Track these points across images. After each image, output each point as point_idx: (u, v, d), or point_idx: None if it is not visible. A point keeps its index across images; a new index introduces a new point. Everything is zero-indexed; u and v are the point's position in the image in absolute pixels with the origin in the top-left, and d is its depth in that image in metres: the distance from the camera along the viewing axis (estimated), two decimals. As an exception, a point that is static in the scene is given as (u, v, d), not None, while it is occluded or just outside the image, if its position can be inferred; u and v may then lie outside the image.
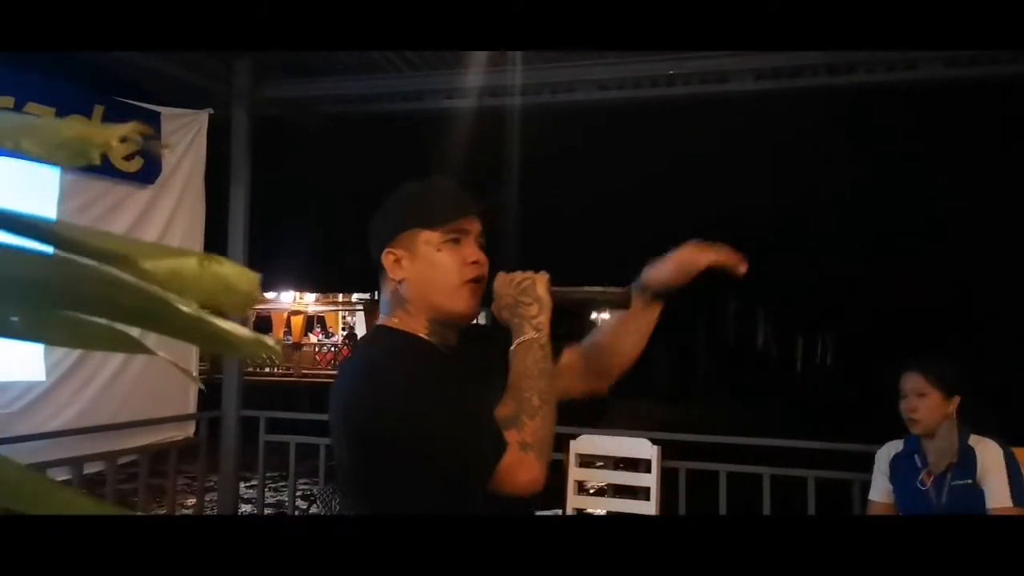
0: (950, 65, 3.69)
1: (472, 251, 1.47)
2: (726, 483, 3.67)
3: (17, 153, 0.32)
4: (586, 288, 1.54)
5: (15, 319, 0.36)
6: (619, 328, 1.65)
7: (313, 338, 26.24)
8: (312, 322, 27.26)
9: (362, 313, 25.60)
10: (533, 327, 1.43)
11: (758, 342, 30.07)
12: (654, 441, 3.70)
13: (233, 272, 0.35)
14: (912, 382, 2.67)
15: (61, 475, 3.50)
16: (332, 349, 24.76)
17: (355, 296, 26.10)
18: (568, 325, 1.59)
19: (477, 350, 1.53)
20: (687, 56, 3.88)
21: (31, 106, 3.41)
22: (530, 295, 1.45)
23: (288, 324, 25.91)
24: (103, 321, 0.35)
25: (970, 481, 2.56)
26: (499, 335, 1.48)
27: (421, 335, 1.47)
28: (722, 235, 1.50)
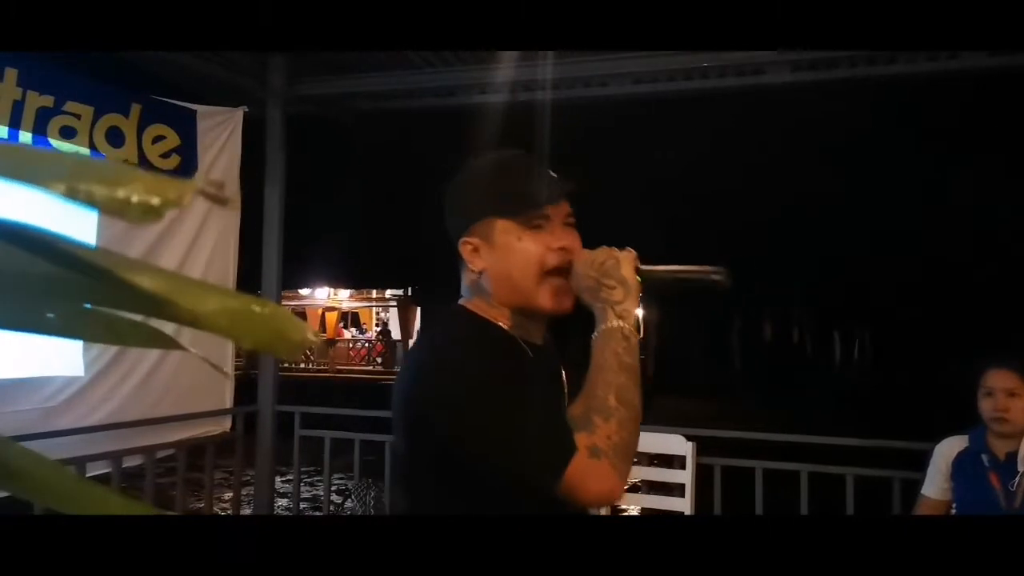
0: (993, 54, 3.61)
1: (558, 236, 1.31)
2: (762, 480, 3.63)
3: (87, 203, 0.32)
4: (677, 267, 1.35)
5: (51, 316, 0.36)
6: None
7: (347, 334, 26.47)
8: (346, 318, 27.49)
9: (395, 309, 25.77)
10: (616, 314, 1.27)
11: (794, 337, 29.78)
12: (689, 437, 3.67)
13: (286, 320, 0.35)
14: (1004, 380, 2.55)
15: (100, 469, 3.56)
16: (366, 345, 24.99)
17: (389, 292, 26.28)
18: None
19: (566, 349, 1.41)
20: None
21: (70, 104, 3.46)
22: (614, 276, 1.28)
23: (323, 320, 26.16)
24: (137, 317, 0.35)
25: None
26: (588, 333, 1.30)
27: (501, 324, 1.33)
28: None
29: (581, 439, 1.16)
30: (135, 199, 0.31)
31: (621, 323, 1.26)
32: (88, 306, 0.36)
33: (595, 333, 1.28)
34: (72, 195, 0.31)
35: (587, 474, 1.15)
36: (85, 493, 0.36)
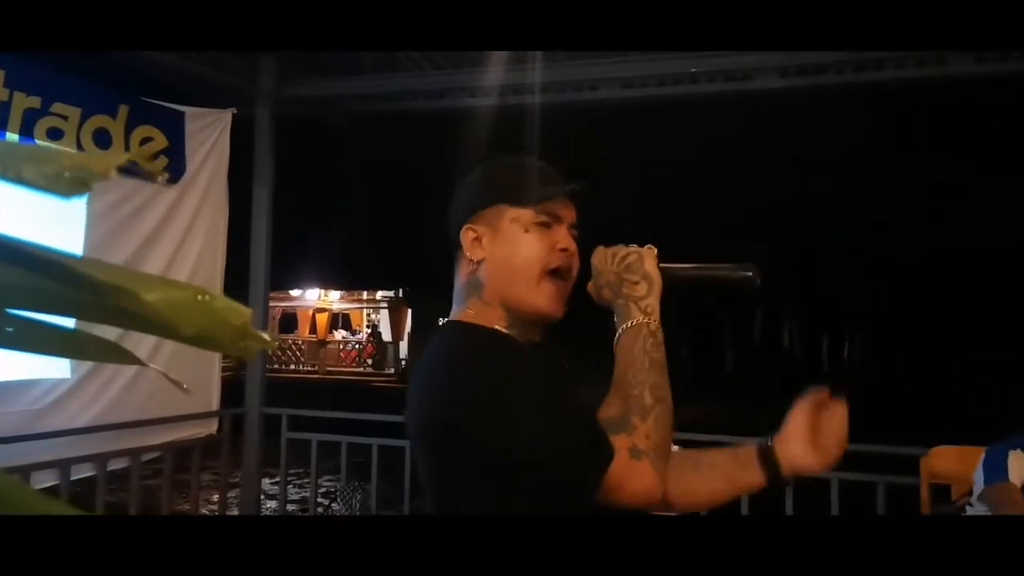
0: (980, 60, 3.63)
1: (563, 237, 1.28)
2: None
3: (18, 182, 0.32)
4: (704, 265, 1.31)
5: (10, 330, 0.36)
6: (712, 470, 1.45)
7: (337, 335, 26.42)
8: (337, 320, 27.44)
9: (386, 311, 25.74)
10: (641, 310, 1.23)
11: (784, 341, 29.86)
12: (675, 441, 3.66)
13: (226, 307, 0.35)
14: None
15: (85, 472, 3.55)
16: (356, 346, 24.94)
17: (379, 294, 26.23)
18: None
19: (565, 346, 1.36)
20: (711, 53, 3.85)
21: (57, 106, 3.45)
22: (636, 272, 1.26)
23: (313, 321, 26.11)
24: (95, 333, 0.35)
25: None
26: (589, 330, 1.29)
27: (499, 328, 1.27)
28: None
29: (620, 441, 1.14)
30: (64, 174, 0.31)
31: (647, 319, 1.23)
32: (39, 316, 0.36)
33: (619, 331, 1.25)
34: (3, 175, 0.31)
35: (629, 476, 1.13)
36: (19, 496, 0.36)
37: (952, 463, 2.97)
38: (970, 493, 2.54)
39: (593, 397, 1.23)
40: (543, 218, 1.27)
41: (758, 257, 1.38)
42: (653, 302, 1.25)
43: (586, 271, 1.32)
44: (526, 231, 1.27)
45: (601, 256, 1.30)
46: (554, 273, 1.27)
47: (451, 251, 1.35)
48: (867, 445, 3.49)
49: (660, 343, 1.23)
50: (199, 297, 0.34)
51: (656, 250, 1.29)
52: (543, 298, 1.26)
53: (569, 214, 1.30)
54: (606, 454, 1.12)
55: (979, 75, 3.71)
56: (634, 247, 1.29)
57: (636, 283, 1.25)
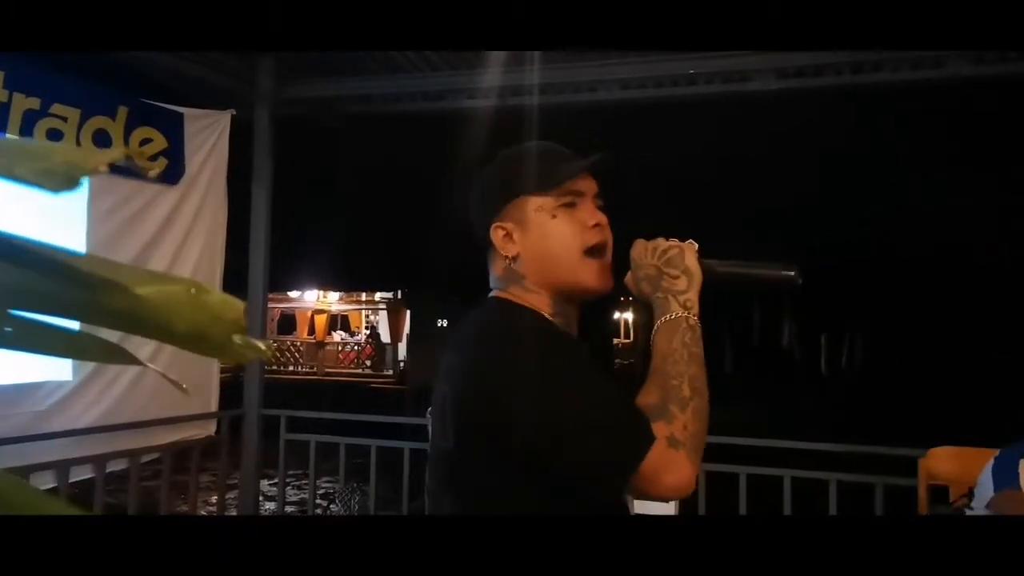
0: (977, 63, 3.64)
1: (591, 213, 1.29)
2: (746, 485, 3.64)
3: (9, 178, 0.32)
4: (745, 263, 1.32)
5: (9, 329, 0.36)
6: None
7: (336, 337, 26.41)
8: (335, 321, 27.43)
9: (385, 312, 25.72)
10: (680, 304, 1.24)
11: (783, 342, 29.84)
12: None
13: (220, 301, 0.35)
14: None
15: (85, 473, 3.55)
16: (355, 348, 24.93)
17: (378, 295, 26.21)
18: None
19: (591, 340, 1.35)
20: (709, 55, 3.85)
21: (57, 107, 3.45)
22: (677, 266, 1.27)
23: (312, 323, 26.10)
24: (95, 333, 0.36)
25: None
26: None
27: (543, 312, 1.28)
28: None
29: (659, 428, 1.13)
30: (54, 169, 0.31)
31: (686, 313, 1.24)
32: (33, 315, 0.36)
33: (657, 323, 1.25)
34: None
35: (665, 465, 1.12)
36: (18, 494, 0.36)
37: (950, 464, 2.97)
38: (968, 495, 2.54)
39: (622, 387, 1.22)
40: (566, 199, 1.28)
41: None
42: (693, 297, 1.26)
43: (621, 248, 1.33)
44: (553, 216, 1.27)
45: (641, 249, 1.31)
46: (592, 250, 1.28)
47: (483, 248, 1.36)
48: (865, 446, 3.51)
49: (699, 338, 1.23)
50: (191, 290, 0.34)
51: (697, 245, 1.29)
52: (589, 275, 1.28)
53: (590, 187, 1.31)
54: (647, 439, 1.12)
55: (977, 77, 3.71)
56: (675, 241, 1.30)
57: (676, 277, 1.26)
